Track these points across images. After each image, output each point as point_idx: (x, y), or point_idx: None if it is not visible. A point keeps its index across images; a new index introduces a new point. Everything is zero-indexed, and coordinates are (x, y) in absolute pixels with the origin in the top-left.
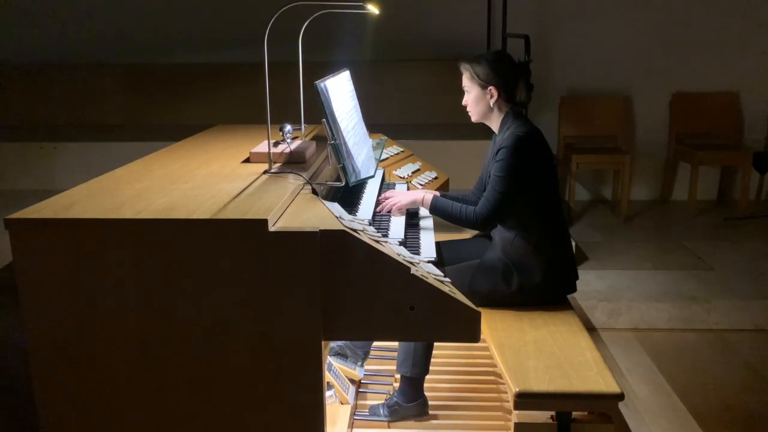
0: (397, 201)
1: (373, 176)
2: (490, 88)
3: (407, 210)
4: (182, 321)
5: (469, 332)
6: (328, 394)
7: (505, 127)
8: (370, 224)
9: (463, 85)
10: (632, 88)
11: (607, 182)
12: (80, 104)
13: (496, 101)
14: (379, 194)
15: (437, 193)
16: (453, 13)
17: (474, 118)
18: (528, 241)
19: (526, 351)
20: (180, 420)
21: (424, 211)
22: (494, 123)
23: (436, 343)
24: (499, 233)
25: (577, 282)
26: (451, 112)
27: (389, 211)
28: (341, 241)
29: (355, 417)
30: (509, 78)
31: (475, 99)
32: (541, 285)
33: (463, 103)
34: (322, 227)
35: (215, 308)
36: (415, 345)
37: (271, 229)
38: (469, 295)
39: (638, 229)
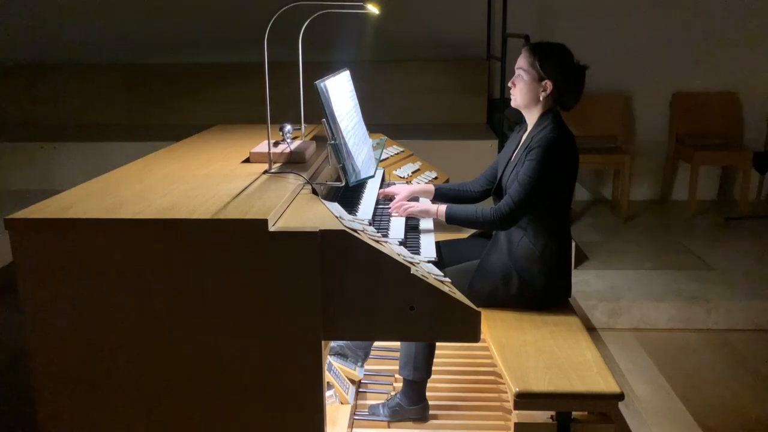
0: (409, 207)
1: (373, 176)
2: (546, 81)
3: None
4: (182, 321)
5: (469, 332)
6: (328, 394)
7: (542, 125)
8: (370, 224)
9: (518, 65)
10: (632, 88)
11: (607, 182)
12: (80, 104)
13: (547, 96)
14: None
15: (432, 188)
16: (453, 13)
17: (515, 103)
18: (533, 245)
19: (526, 351)
20: (180, 419)
21: None
22: (532, 115)
23: (436, 344)
24: (504, 233)
25: (577, 282)
26: (451, 112)
27: (395, 212)
28: (341, 241)
29: (355, 417)
30: (568, 78)
31: (527, 86)
32: (540, 292)
33: (510, 83)
34: (322, 227)
35: (215, 308)
36: (417, 348)
37: (271, 229)
38: (469, 296)
39: (638, 229)
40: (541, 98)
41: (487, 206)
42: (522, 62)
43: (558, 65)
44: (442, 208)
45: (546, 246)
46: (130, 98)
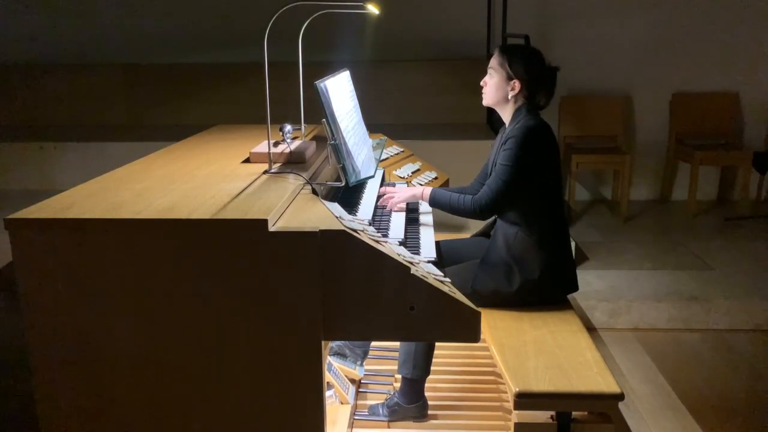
0: (396, 197)
1: (373, 176)
2: (514, 81)
3: (407, 204)
4: (182, 321)
5: (469, 332)
6: (328, 394)
7: (517, 119)
8: (370, 224)
9: (489, 65)
10: (632, 88)
11: (607, 182)
12: (80, 104)
13: (516, 95)
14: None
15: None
16: (453, 13)
17: (486, 101)
18: (529, 236)
19: (526, 351)
20: (180, 420)
21: (423, 207)
22: (506, 113)
23: (436, 344)
24: (501, 229)
25: (578, 282)
26: (451, 112)
27: (390, 209)
28: (341, 241)
29: (355, 417)
30: (537, 80)
31: (496, 84)
32: (542, 283)
33: (482, 83)
34: (322, 227)
35: (215, 308)
36: (416, 346)
37: (271, 229)
38: (472, 295)
39: (638, 229)
40: (509, 97)
41: (469, 195)
42: (493, 62)
43: (526, 66)
44: (427, 190)
45: (542, 238)
46: (130, 98)
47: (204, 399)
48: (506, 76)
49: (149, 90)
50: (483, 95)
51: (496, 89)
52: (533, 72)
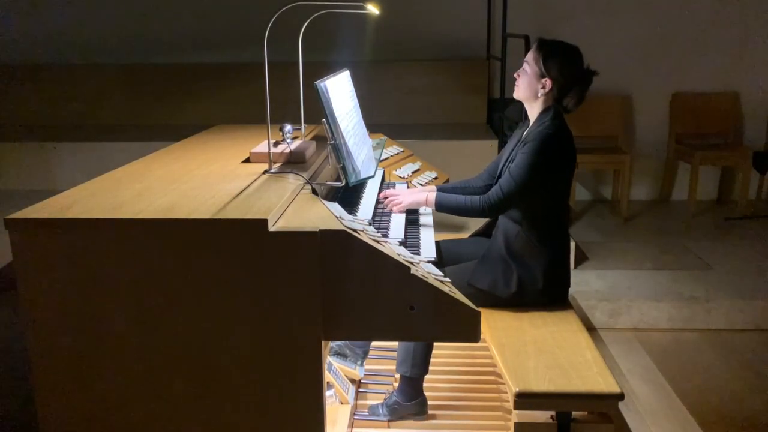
0: (399, 201)
1: (373, 176)
2: (546, 79)
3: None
4: (182, 321)
5: (469, 332)
6: (328, 394)
7: (542, 121)
8: (370, 224)
9: (525, 58)
10: (632, 88)
11: (607, 182)
12: (80, 104)
13: (546, 94)
14: (380, 193)
15: (434, 188)
16: (453, 13)
17: (517, 95)
18: (529, 238)
19: (526, 351)
20: (180, 420)
21: (423, 208)
22: (534, 110)
23: (436, 343)
24: (502, 226)
25: (577, 282)
26: (451, 112)
27: (391, 210)
28: (341, 241)
29: (355, 417)
30: (569, 82)
31: (529, 79)
32: (540, 288)
33: (515, 74)
34: (322, 227)
35: (215, 308)
36: (415, 345)
37: (271, 229)
38: (468, 290)
39: (638, 229)
40: (539, 95)
41: (477, 196)
42: (529, 56)
43: (560, 66)
44: (432, 196)
45: (543, 241)
46: (130, 98)
47: (204, 399)
48: (539, 74)
49: (149, 90)
50: (515, 87)
51: (527, 85)
52: (567, 73)
